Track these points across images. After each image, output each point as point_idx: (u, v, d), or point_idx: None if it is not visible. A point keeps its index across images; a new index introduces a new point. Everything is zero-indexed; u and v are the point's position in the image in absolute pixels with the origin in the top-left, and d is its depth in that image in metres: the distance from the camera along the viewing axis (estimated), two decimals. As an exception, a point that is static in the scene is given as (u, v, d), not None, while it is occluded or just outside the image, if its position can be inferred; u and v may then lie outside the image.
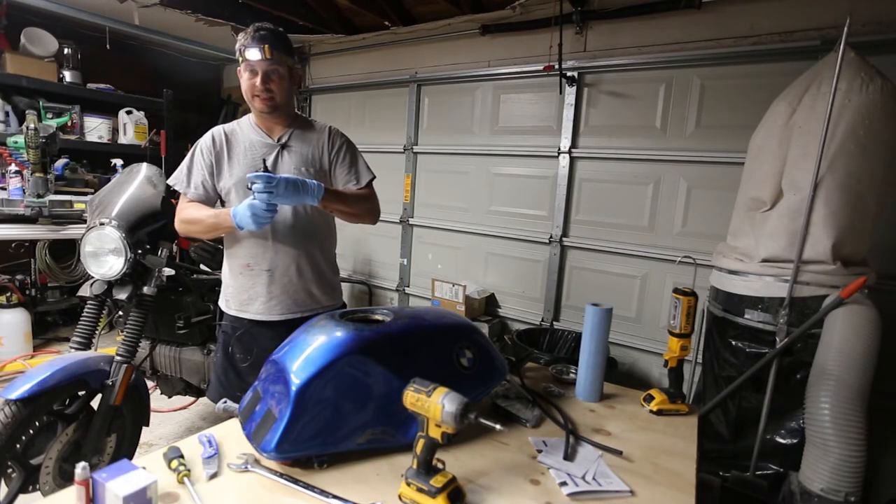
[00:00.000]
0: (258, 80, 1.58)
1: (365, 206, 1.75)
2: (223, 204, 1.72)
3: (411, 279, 4.16)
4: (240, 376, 1.75)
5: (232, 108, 5.22)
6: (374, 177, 1.82)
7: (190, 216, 1.64)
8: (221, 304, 1.81)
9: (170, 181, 1.72)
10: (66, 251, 4.00)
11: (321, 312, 1.43)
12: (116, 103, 4.21)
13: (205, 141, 1.70)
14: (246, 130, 1.71)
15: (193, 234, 1.68)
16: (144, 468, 0.89)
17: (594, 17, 3.08)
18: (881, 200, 1.93)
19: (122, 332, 1.94)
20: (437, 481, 0.93)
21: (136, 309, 1.94)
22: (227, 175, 1.67)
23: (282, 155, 1.68)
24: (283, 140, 1.69)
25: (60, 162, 3.51)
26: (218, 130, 1.71)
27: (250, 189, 1.42)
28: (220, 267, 2.63)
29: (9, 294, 3.48)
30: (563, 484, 1.04)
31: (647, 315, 3.10)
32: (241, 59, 1.58)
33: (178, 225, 1.69)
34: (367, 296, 4.39)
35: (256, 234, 1.61)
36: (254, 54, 1.55)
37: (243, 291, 1.71)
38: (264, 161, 1.58)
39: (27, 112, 3.14)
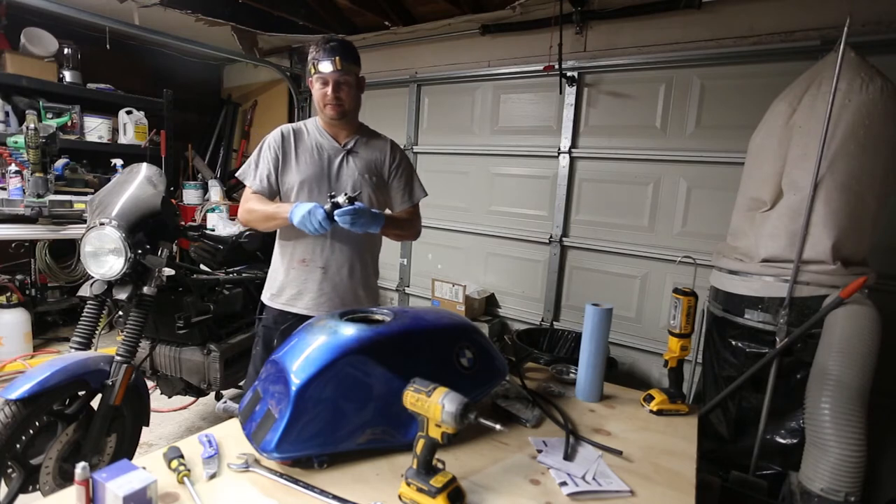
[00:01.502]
0: (329, 90, 1.68)
1: (412, 229, 1.96)
2: (283, 199, 1.78)
3: (411, 279, 4.16)
4: None
5: (232, 108, 5.22)
6: (426, 195, 1.96)
7: (251, 206, 1.74)
8: (265, 297, 1.88)
9: (238, 174, 1.83)
10: (66, 251, 4.00)
11: None
12: (116, 103, 4.21)
13: (273, 137, 1.78)
14: (313, 132, 1.80)
15: (252, 224, 1.77)
16: (144, 468, 0.89)
17: (594, 17, 3.08)
18: (881, 200, 1.93)
19: (122, 332, 1.94)
20: (437, 481, 0.93)
21: (136, 309, 1.94)
22: (292, 172, 1.75)
23: (347, 159, 1.78)
24: (350, 146, 1.79)
25: (60, 162, 3.51)
26: (287, 128, 1.80)
27: (331, 204, 1.53)
28: (220, 267, 2.65)
29: (9, 294, 3.48)
30: (563, 484, 1.04)
31: (647, 315, 3.10)
32: (313, 70, 1.68)
33: (240, 213, 1.80)
34: (367, 296, 4.39)
35: (314, 239, 1.71)
36: (326, 66, 1.65)
37: (295, 286, 1.78)
38: (349, 196, 1.56)
39: (27, 112, 3.14)
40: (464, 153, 3.75)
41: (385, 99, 4.16)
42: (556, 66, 3.02)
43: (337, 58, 1.65)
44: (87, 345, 1.93)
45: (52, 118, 3.81)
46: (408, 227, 1.91)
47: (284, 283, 1.81)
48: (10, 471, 1.71)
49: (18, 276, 3.77)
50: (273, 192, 1.77)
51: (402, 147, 1.93)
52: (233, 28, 4.04)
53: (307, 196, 1.73)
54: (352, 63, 1.70)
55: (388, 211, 1.88)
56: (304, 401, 1.04)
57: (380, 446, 1.12)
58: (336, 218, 1.52)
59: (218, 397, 2.57)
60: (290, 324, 1.76)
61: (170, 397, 2.63)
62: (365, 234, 1.73)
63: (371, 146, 1.83)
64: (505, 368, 1.38)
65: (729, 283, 2.12)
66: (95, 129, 4.10)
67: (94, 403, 1.85)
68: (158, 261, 1.93)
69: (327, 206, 1.53)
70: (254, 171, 1.77)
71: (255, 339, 1.94)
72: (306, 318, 1.68)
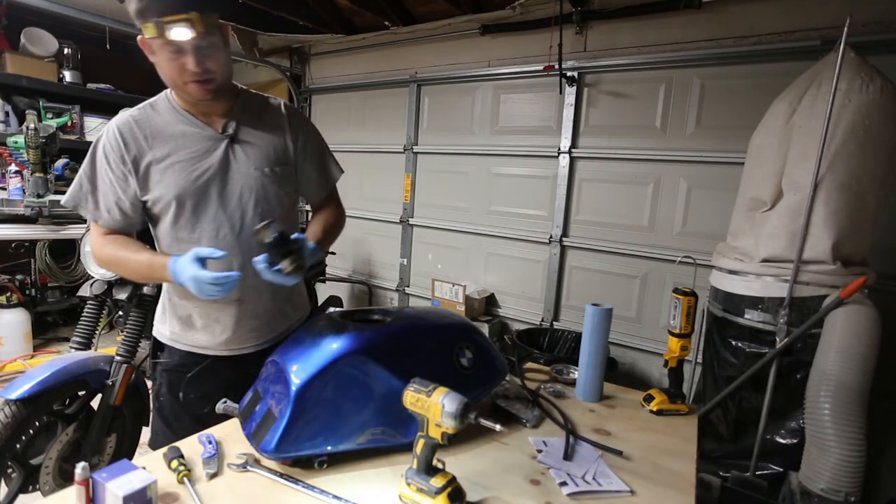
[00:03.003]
0: (191, 63, 1.12)
1: (340, 226, 1.47)
2: (152, 220, 1.29)
3: (411, 279, 4.16)
4: (197, 420, 1.29)
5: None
6: (343, 171, 1.49)
7: (110, 255, 1.23)
8: (162, 335, 1.39)
9: (66, 201, 1.25)
10: (66, 251, 4.00)
11: (289, 333, 1.35)
12: (116, 103, 4.21)
13: (109, 143, 1.20)
14: (169, 118, 1.24)
15: (119, 274, 1.34)
16: (144, 468, 0.89)
17: (594, 17, 3.08)
18: (881, 200, 1.93)
19: (122, 332, 1.94)
20: (437, 481, 0.93)
21: (136, 309, 1.94)
22: (157, 186, 1.22)
23: (233, 152, 1.26)
24: (230, 131, 1.26)
25: (60, 162, 3.52)
26: (126, 124, 1.22)
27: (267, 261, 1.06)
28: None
29: (9, 294, 3.48)
30: (563, 484, 1.04)
31: (647, 315, 3.10)
32: (151, 31, 1.08)
33: (99, 262, 1.31)
34: (367, 296, 4.39)
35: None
36: (181, 34, 1.08)
37: (203, 324, 1.34)
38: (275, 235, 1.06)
39: (27, 112, 3.15)
40: (464, 153, 3.75)
41: (385, 99, 4.16)
42: (556, 66, 3.02)
43: (195, 16, 1.07)
44: (87, 345, 1.93)
45: (52, 118, 3.81)
46: (337, 229, 1.44)
47: (189, 321, 1.34)
48: (10, 471, 1.71)
49: (18, 276, 3.77)
50: (133, 223, 1.27)
51: (300, 112, 1.43)
52: (233, 28, 4.04)
53: (189, 217, 1.23)
54: (210, 11, 1.12)
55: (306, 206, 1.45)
56: (304, 401, 1.04)
57: (380, 446, 1.12)
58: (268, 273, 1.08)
59: (218, 397, 2.56)
60: (204, 366, 1.35)
61: (170, 397, 2.63)
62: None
63: (262, 125, 1.30)
64: (505, 368, 1.38)
65: (729, 283, 2.12)
66: (95, 129, 4.10)
67: (95, 403, 1.85)
68: (158, 261, 1.93)
69: (261, 265, 1.07)
70: (92, 199, 1.23)
71: (155, 386, 1.44)
72: (223, 358, 1.35)
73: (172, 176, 1.21)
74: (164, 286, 1.39)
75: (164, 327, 1.39)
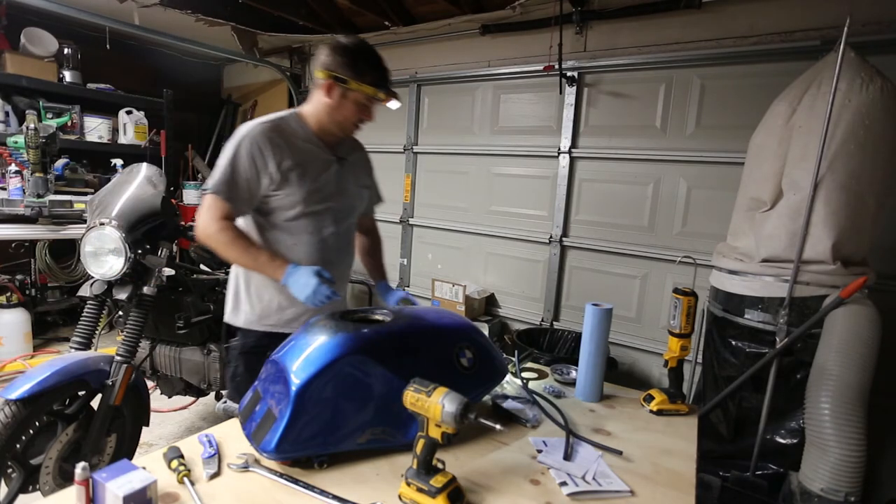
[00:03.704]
0: (371, 116, 1.58)
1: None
2: (267, 211, 1.52)
3: (411, 279, 4.16)
4: None
5: (232, 108, 5.22)
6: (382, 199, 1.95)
7: (234, 240, 1.42)
8: (239, 321, 1.60)
9: (207, 185, 1.46)
10: (66, 251, 4.00)
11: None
12: (116, 103, 4.21)
13: (256, 145, 1.44)
14: (299, 135, 1.52)
15: (218, 253, 1.45)
16: (144, 468, 0.89)
17: (594, 17, 3.08)
18: (881, 200, 1.93)
19: (122, 332, 1.94)
20: (437, 481, 0.93)
21: (136, 309, 1.94)
22: (290, 185, 1.48)
23: (342, 170, 1.61)
24: (342, 154, 1.61)
25: (60, 162, 3.51)
26: (269, 132, 1.46)
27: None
28: (220, 267, 2.64)
29: (9, 294, 3.48)
30: (563, 484, 1.04)
31: (647, 315, 3.10)
32: (360, 87, 1.45)
33: (203, 234, 1.43)
34: (367, 296, 4.39)
35: (317, 255, 1.55)
36: (395, 104, 1.58)
37: (291, 306, 1.55)
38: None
39: (27, 112, 3.14)
40: (464, 153, 3.75)
41: (385, 99, 4.16)
42: (556, 66, 3.02)
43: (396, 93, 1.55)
44: (87, 345, 1.93)
45: (52, 118, 3.81)
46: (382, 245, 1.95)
47: (275, 305, 1.56)
48: (10, 471, 1.71)
49: (18, 276, 3.78)
50: (245, 213, 1.52)
51: None
52: (233, 28, 4.04)
53: (308, 213, 1.51)
54: None
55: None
56: (304, 401, 1.04)
57: (380, 446, 1.12)
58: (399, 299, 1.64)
59: (218, 397, 2.57)
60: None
61: (170, 397, 2.63)
62: (353, 232, 1.74)
63: (354, 154, 1.69)
64: (505, 368, 1.38)
65: (729, 283, 2.12)
66: (95, 129, 4.10)
67: (95, 403, 1.85)
68: (158, 261, 1.93)
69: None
70: (227, 187, 1.43)
71: (231, 364, 1.66)
72: None
73: (303, 180, 1.49)
74: (244, 279, 1.58)
75: (237, 315, 1.61)
